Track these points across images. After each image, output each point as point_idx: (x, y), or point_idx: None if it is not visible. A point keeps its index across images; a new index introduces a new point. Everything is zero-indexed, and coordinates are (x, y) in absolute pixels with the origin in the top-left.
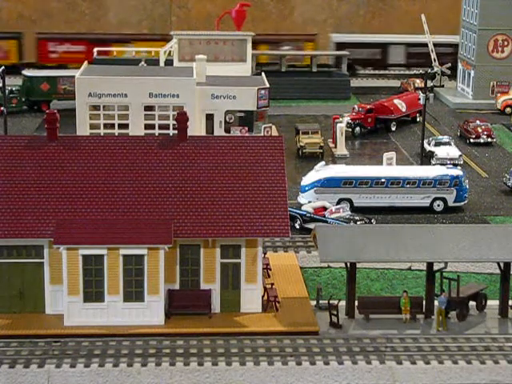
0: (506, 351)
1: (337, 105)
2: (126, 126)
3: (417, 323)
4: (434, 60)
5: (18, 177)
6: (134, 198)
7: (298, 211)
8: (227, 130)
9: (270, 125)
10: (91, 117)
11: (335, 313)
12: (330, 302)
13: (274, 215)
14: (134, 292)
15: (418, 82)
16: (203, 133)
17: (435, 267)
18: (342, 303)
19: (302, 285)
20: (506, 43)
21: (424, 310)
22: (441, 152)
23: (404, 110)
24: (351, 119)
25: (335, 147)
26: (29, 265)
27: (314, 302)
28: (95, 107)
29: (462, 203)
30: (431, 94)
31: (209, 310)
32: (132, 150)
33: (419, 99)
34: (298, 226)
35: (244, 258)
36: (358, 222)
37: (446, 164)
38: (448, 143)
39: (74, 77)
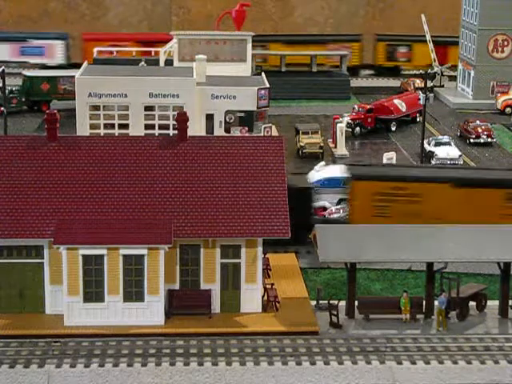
0: (506, 351)
1: (337, 105)
2: (126, 126)
3: (417, 323)
4: (434, 60)
5: (18, 177)
6: (134, 198)
7: None
8: (227, 130)
9: (270, 125)
10: (91, 117)
11: (335, 313)
12: (330, 302)
13: (274, 215)
14: (133, 292)
15: (418, 82)
16: (203, 133)
17: (435, 267)
18: (342, 303)
19: (302, 285)
20: (506, 43)
21: (424, 309)
22: (441, 152)
23: (404, 110)
24: (351, 119)
25: (335, 147)
26: (29, 265)
27: (314, 302)
28: (95, 107)
29: None
30: (431, 94)
31: (209, 310)
32: (132, 150)
33: (419, 99)
34: None
35: (244, 258)
36: None
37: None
38: (448, 143)
39: (73, 77)
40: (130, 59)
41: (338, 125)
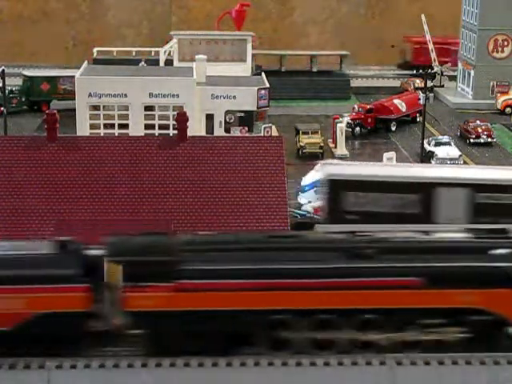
0: (506, 351)
1: (337, 105)
2: (126, 126)
3: None
4: (434, 60)
5: (18, 177)
6: (133, 198)
7: (297, 211)
8: (227, 130)
9: (270, 125)
10: (91, 117)
11: None
12: None
13: (274, 215)
14: None
15: (418, 82)
16: (203, 133)
17: None
18: None
19: None
20: (506, 43)
21: None
22: (441, 152)
23: (404, 110)
24: (351, 119)
25: (335, 147)
26: None
27: None
28: (95, 107)
29: None
30: (431, 94)
31: None
32: (132, 150)
33: (419, 99)
34: None
35: None
36: None
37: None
38: (448, 143)
39: (73, 77)
40: (130, 59)
41: (338, 125)
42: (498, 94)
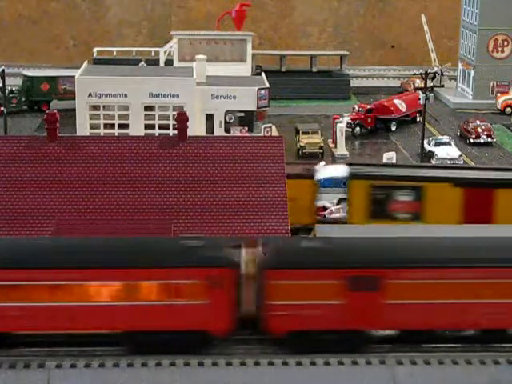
0: (506, 351)
1: (337, 105)
2: (126, 126)
3: None
4: (434, 60)
5: (18, 177)
6: (133, 198)
7: None
8: (227, 130)
9: (270, 125)
10: (91, 117)
11: None
12: None
13: (274, 215)
14: None
15: (418, 82)
16: (203, 133)
17: None
18: None
19: None
20: (505, 43)
21: None
22: (441, 152)
23: (404, 110)
24: (351, 119)
25: (335, 147)
26: None
27: None
28: (95, 107)
29: None
30: (431, 94)
31: None
32: (132, 150)
33: (419, 99)
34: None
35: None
36: None
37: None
38: (448, 143)
39: (73, 77)
40: (130, 59)
41: (338, 125)
42: (498, 94)
